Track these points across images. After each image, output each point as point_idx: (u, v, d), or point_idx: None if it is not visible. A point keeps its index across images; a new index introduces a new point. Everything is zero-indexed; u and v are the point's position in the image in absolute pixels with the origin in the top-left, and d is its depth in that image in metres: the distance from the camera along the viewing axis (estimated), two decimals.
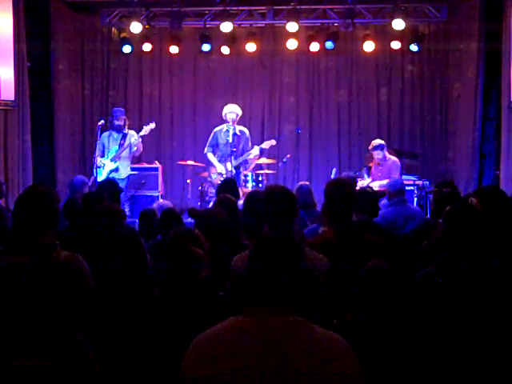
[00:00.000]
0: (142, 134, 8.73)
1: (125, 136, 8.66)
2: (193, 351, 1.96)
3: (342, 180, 3.81)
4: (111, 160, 8.57)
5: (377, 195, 5.15)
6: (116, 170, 8.56)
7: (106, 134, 8.75)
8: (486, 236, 2.84)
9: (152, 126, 8.80)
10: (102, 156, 8.63)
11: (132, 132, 8.76)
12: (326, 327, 2.01)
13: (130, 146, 8.57)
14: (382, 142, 8.59)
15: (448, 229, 2.86)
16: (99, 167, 8.54)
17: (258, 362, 1.87)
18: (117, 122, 8.64)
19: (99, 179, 8.26)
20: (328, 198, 3.59)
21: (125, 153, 8.60)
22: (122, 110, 8.99)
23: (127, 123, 8.77)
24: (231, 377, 1.87)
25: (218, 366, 1.88)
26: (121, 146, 8.59)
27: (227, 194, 5.06)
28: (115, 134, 8.68)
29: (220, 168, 8.91)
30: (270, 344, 1.89)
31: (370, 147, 8.59)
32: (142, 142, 8.75)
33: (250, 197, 4.56)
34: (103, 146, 8.69)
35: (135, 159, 9.48)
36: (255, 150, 8.89)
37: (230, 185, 5.87)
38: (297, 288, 1.98)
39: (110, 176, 8.29)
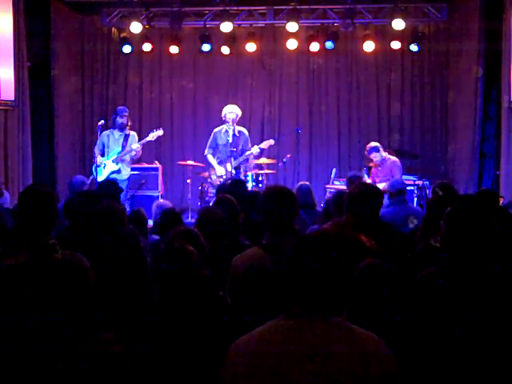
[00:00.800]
0: (148, 139, 8.67)
1: (127, 137, 8.59)
2: (233, 355, 1.95)
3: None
4: (113, 161, 8.53)
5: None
6: (118, 171, 8.54)
7: (106, 132, 8.71)
8: (487, 237, 2.83)
9: (160, 132, 8.75)
10: (102, 155, 8.61)
11: (133, 133, 8.73)
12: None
13: (131, 151, 8.55)
14: (377, 143, 8.55)
15: (449, 230, 2.86)
16: (99, 166, 8.52)
17: (298, 364, 1.87)
18: (120, 120, 8.53)
19: (99, 179, 8.25)
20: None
21: (126, 156, 8.58)
22: (126, 108, 8.95)
23: (129, 123, 8.75)
24: (272, 380, 1.86)
25: (259, 369, 1.88)
26: (123, 147, 8.54)
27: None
28: (116, 134, 8.61)
29: (220, 170, 8.90)
30: (310, 346, 1.89)
31: (365, 152, 8.57)
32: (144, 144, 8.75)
33: (250, 197, 4.56)
34: (103, 145, 8.65)
35: (135, 160, 9.47)
36: (255, 149, 8.90)
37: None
38: (338, 290, 1.97)
39: (111, 177, 8.26)
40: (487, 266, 2.73)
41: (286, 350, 1.89)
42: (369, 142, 8.80)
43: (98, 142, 8.69)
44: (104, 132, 8.73)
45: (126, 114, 8.66)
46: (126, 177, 8.59)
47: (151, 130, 8.88)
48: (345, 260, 2.01)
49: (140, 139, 8.68)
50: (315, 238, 2.06)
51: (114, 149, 8.57)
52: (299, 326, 1.93)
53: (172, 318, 2.59)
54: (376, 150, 8.39)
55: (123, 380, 2.11)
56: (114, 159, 8.53)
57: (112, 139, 8.61)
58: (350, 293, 2.00)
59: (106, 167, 8.51)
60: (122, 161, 8.57)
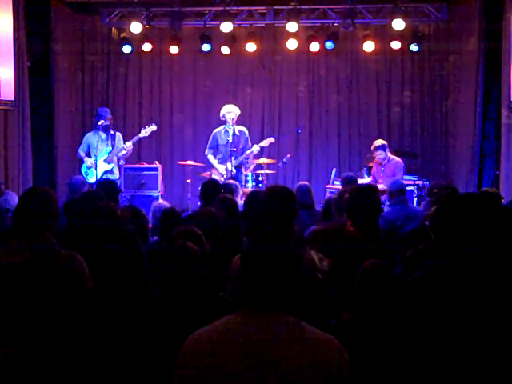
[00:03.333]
0: (141, 135, 8.73)
1: (113, 136, 8.59)
2: (186, 348, 1.99)
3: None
4: (105, 161, 8.52)
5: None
6: (111, 171, 8.55)
7: (90, 133, 8.76)
8: (478, 236, 2.82)
9: (153, 128, 8.80)
10: (89, 156, 8.61)
11: (119, 134, 8.75)
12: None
13: (122, 149, 8.54)
14: (384, 142, 8.58)
15: (437, 229, 2.85)
16: (90, 168, 8.52)
17: (247, 361, 1.89)
18: (104, 123, 8.54)
19: (91, 180, 8.23)
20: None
21: (115, 156, 8.60)
22: (108, 109, 8.98)
23: (112, 123, 8.78)
24: (221, 375, 1.89)
25: (209, 363, 1.91)
26: (113, 147, 8.54)
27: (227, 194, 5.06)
28: (102, 135, 8.59)
29: (221, 169, 8.91)
30: (259, 344, 1.91)
31: (372, 147, 8.58)
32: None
33: (251, 197, 4.56)
34: (88, 147, 8.65)
35: (135, 159, 9.49)
36: (255, 148, 8.91)
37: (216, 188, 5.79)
38: (291, 291, 1.99)
39: (105, 177, 8.25)
40: (476, 268, 2.73)
41: (235, 347, 1.91)
42: (369, 142, 8.81)
43: (83, 144, 8.72)
44: (88, 134, 8.81)
45: (109, 115, 8.69)
46: (117, 176, 8.60)
47: (143, 127, 8.90)
48: (293, 258, 2.03)
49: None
50: (266, 235, 2.07)
51: (103, 149, 8.54)
52: (250, 324, 1.94)
53: (171, 317, 2.59)
54: (383, 148, 8.43)
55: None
56: (105, 159, 8.52)
57: (99, 140, 8.57)
58: (289, 294, 1.99)
59: (98, 168, 8.47)
60: (112, 161, 8.56)
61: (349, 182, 6.82)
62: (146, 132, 8.73)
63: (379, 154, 8.44)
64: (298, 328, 1.97)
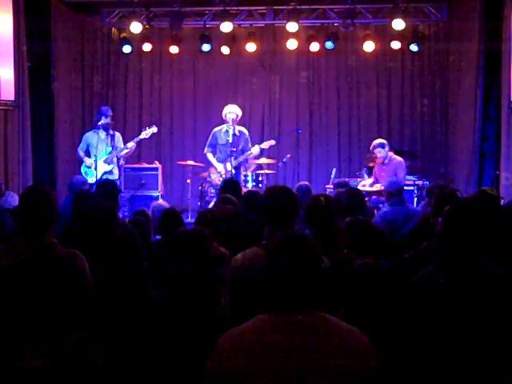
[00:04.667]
0: (142, 137, 8.70)
1: (113, 137, 8.52)
2: (220, 349, 2.00)
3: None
4: (105, 161, 8.50)
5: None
6: (110, 172, 8.52)
7: (90, 133, 8.71)
8: (484, 235, 2.83)
9: (154, 129, 8.77)
10: (88, 156, 8.59)
11: (118, 134, 8.73)
12: None
13: (123, 149, 8.53)
14: (384, 141, 8.59)
15: (447, 228, 2.86)
16: (89, 167, 8.50)
17: (284, 358, 1.92)
18: (105, 120, 8.47)
19: (91, 180, 8.20)
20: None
21: (115, 157, 8.58)
22: (109, 108, 8.95)
23: (112, 122, 8.75)
24: (259, 373, 1.91)
25: (246, 363, 1.93)
26: (113, 147, 8.51)
27: (228, 194, 5.07)
28: (102, 134, 8.51)
29: (220, 168, 8.92)
30: (295, 340, 1.94)
31: (371, 146, 8.59)
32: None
33: (249, 197, 4.56)
34: (87, 146, 8.62)
35: (135, 159, 9.47)
36: (255, 149, 8.91)
37: (232, 185, 5.86)
38: (319, 286, 2.03)
39: (104, 177, 8.23)
40: (485, 265, 2.73)
41: (271, 346, 1.94)
42: (369, 142, 8.82)
43: (82, 143, 8.69)
44: (87, 133, 8.77)
45: (111, 114, 8.66)
46: (117, 177, 8.57)
47: (143, 129, 8.89)
48: (318, 257, 2.09)
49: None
50: (289, 238, 2.12)
51: (103, 149, 8.50)
52: (285, 320, 1.98)
53: (171, 317, 2.59)
54: (382, 146, 8.43)
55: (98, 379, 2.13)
56: (105, 160, 8.49)
57: (99, 140, 8.49)
58: (318, 290, 2.05)
59: (98, 168, 8.44)
60: (112, 162, 8.54)
61: (342, 187, 6.78)
62: (146, 134, 8.72)
63: (378, 152, 8.44)
64: (328, 323, 2.02)
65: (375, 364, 1.97)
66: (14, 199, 7.09)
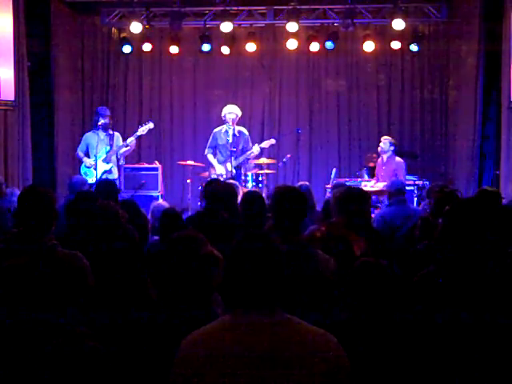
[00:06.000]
0: (139, 133, 8.70)
1: (112, 136, 8.52)
2: (183, 351, 1.98)
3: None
4: (103, 161, 8.49)
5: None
6: (110, 171, 8.51)
7: (89, 133, 8.69)
8: (486, 234, 2.84)
9: (150, 125, 8.78)
10: (88, 156, 8.59)
11: (117, 134, 8.72)
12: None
13: (118, 149, 8.52)
14: (394, 140, 8.80)
15: (448, 227, 2.87)
16: (89, 167, 8.50)
17: (245, 362, 1.89)
18: (104, 121, 8.46)
19: (90, 180, 8.19)
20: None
21: (114, 156, 8.57)
22: (107, 108, 8.95)
23: (111, 122, 8.74)
24: (219, 377, 1.88)
25: (207, 365, 1.90)
26: (111, 146, 8.50)
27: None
28: (102, 135, 8.50)
29: (220, 169, 8.92)
30: (256, 344, 1.90)
31: (382, 137, 8.79)
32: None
33: (247, 197, 4.55)
34: (87, 147, 8.61)
35: (135, 159, 9.46)
36: (256, 148, 8.91)
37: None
38: (280, 287, 1.98)
39: (104, 177, 8.22)
40: (486, 263, 2.74)
41: (232, 349, 1.90)
42: (369, 142, 8.87)
43: (81, 144, 8.68)
44: (87, 134, 8.76)
45: (109, 114, 8.65)
46: (116, 176, 8.56)
47: (140, 125, 8.88)
48: (280, 254, 2.02)
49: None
50: (251, 235, 2.07)
51: (102, 149, 8.50)
52: (246, 324, 1.94)
53: (171, 318, 2.59)
54: (390, 142, 8.68)
55: (102, 375, 2.12)
56: (103, 159, 8.49)
57: (98, 140, 8.48)
58: (279, 290, 1.99)
59: (98, 168, 8.44)
60: (111, 160, 8.54)
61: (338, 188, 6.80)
62: (143, 130, 8.72)
63: (383, 144, 8.68)
64: (293, 325, 1.97)
65: (344, 368, 1.92)
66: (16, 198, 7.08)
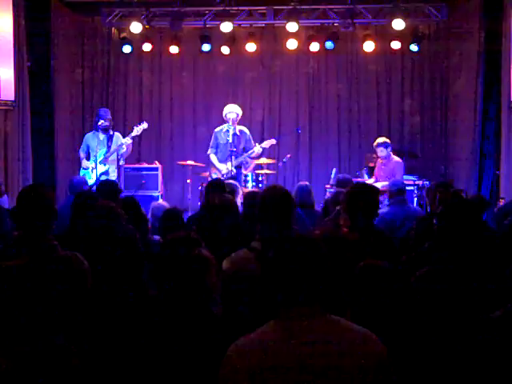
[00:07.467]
0: (133, 134, 8.68)
1: (111, 137, 8.51)
2: (233, 358, 1.95)
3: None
4: (100, 162, 8.48)
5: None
6: (107, 172, 8.50)
7: (89, 134, 8.67)
8: (481, 233, 2.84)
9: (144, 126, 8.78)
10: (87, 158, 8.58)
11: (117, 133, 8.71)
12: None
13: (118, 149, 8.50)
14: (387, 139, 8.64)
15: (441, 228, 2.87)
16: (86, 169, 8.49)
17: (300, 363, 1.89)
18: (104, 123, 8.45)
19: (89, 182, 8.17)
20: None
21: (113, 156, 8.54)
22: (108, 110, 8.94)
23: (112, 124, 8.73)
24: (276, 381, 1.88)
25: (260, 371, 1.89)
26: (109, 147, 8.49)
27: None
28: (101, 136, 8.49)
29: (223, 169, 8.88)
30: (308, 347, 1.91)
31: (374, 144, 8.63)
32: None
33: (248, 198, 4.55)
34: (88, 148, 8.61)
35: (134, 159, 9.46)
36: (257, 148, 8.90)
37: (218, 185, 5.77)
38: (328, 286, 2.00)
39: (101, 178, 8.21)
40: (480, 264, 2.74)
41: (285, 352, 1.90)
42: (369, 142, 8.84)
43: (83, 144, 8.67)
44: (87, 135, 8.75)
45: (109, 117, 8.62)
46: (114, 178, 8.54)
47: (135, 125, 8.88)
48: (328, 256, 2.04)
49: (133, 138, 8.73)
50: (297, 237, 2.08)
51: (100, 151, 8.47)
52: (298, 326, 1.94)
53: (171, 317, 2.59)
54: (385, 145, 8.49)
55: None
56: (101, 160, 8.47)
57: (97, 141, 8.48)
58: (327, 289, 2.01)
59: (95, 170, 8.42)
60: (108, 161, 8.52)
61: (345, 184, 6.78)
62: (137, 130, 8.72)
63: (381, 151, 8.49)
64: (342, 326, 2.00)
65: (388, 367, 1.96)
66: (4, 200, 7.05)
